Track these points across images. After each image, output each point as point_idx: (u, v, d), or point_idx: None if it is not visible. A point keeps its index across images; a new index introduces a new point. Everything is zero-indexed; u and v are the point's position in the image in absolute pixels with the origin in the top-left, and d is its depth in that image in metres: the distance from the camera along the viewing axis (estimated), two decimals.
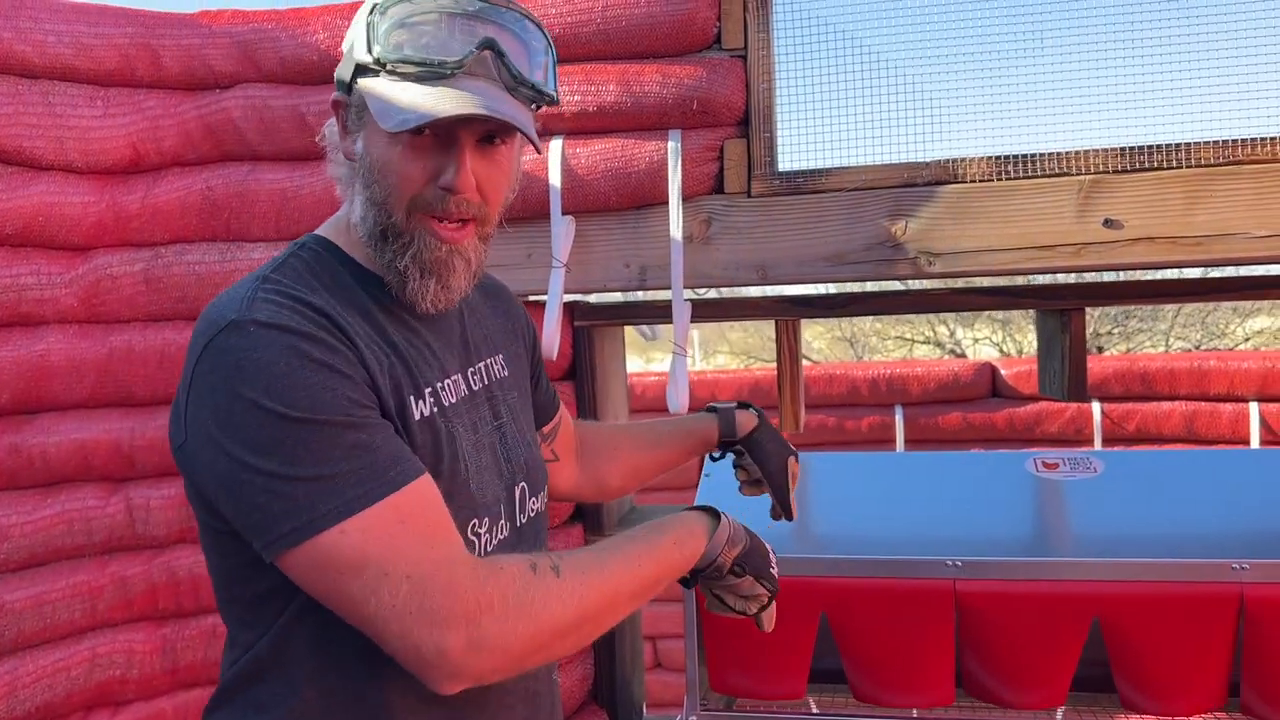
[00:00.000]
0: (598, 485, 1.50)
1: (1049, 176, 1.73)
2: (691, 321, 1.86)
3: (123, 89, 1.89)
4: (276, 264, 1.00)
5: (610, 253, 1.89)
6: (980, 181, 1.75)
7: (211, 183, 1.91)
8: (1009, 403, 4.04)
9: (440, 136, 0.98)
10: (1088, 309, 1.94)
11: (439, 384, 1.04)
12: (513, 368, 1.22)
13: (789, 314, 1.94)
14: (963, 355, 10.99)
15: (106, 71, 1.85)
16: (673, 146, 1.79)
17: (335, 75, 1.05)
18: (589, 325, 1.96)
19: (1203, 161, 1.68)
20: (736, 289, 1.96)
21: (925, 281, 1.79)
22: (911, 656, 1.71)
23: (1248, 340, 10.81)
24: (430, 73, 0.96)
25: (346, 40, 1.04)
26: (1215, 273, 2.21)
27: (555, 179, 1.82)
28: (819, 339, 13.33)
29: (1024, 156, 1.74)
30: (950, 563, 1.70)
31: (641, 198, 1.85)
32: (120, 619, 1.93)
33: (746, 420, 1.52)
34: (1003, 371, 4.11)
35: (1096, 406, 3.91)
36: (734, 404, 1.54)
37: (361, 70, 0.99)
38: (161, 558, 1.97)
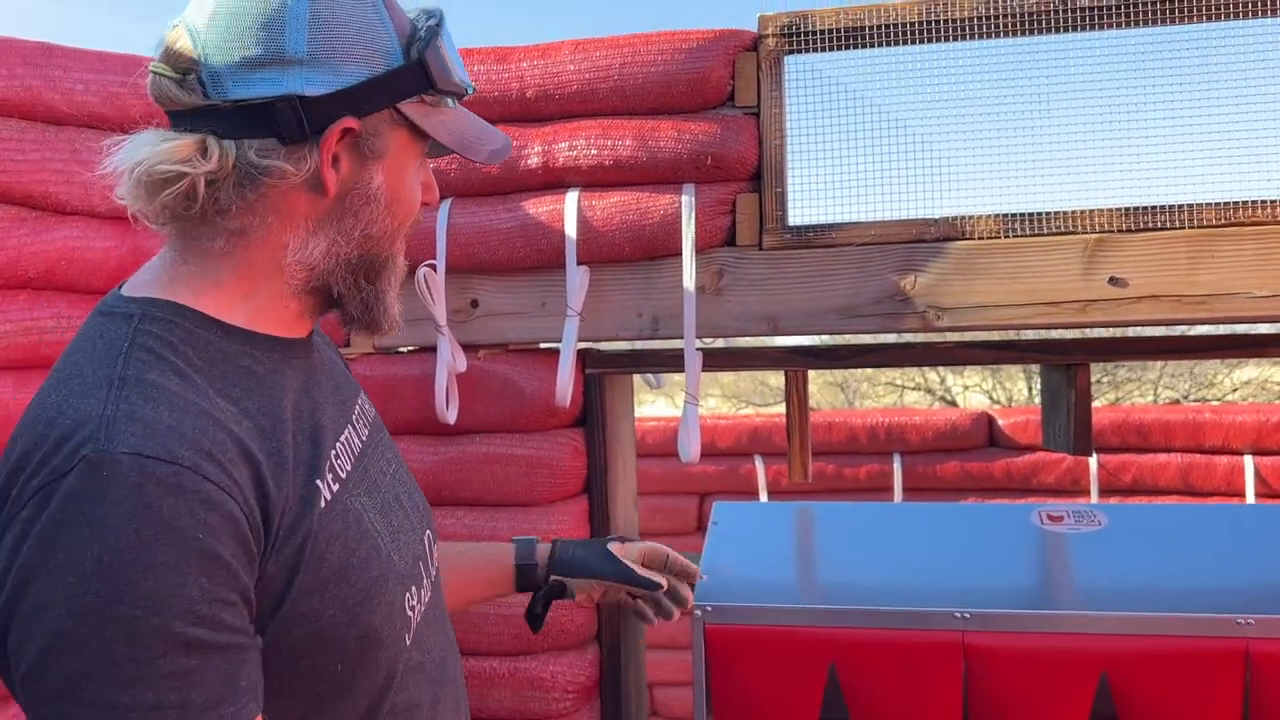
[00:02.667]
0: None
1: (1055, 235, 1.77)
2: (701, 371, 1.89)
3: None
4: (120, 351, 0.79)
5: (623, 302, 1.92)
6: (988, 238, 1.78)
7: None
8: (1006, 452, 4.06)
9: (425, 159, 0.93)
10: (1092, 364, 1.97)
11: (333, 451, 0.90)
12: (370, 403, 1.10)
13: (798, 365, 1.97)
14: (953, 403, 11.05)
15: (133, 120, 1.86)
16: (686, 200, 1.83)
17: (297, 92, 0.83)
18: (600, 373, 1.98)
19: (1205, 222, 1.72)
20: (737, 340, 1.99)
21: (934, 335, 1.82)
22: (919, 708, 1.72)
23: (1235, 391, 10.91)
24: (457, 99, 0.92)
25: (315, 46, 0.83)
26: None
27: (571, 230, 1.85)
28: (811, 383, 13.33)
29: (1031, 214, 1.78)
30: (959, 614, 1.71)
31: (655, 249, 1.88)
32: None
33: (541, 550, 1.46)
34: (1000, 421, 4.14)
35: (1093, 458, 3.94)
36: (533, 538, 1.50)
37: (392, 94, 0.86)
38: None
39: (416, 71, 0.86)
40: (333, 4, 0.83)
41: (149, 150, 0.83)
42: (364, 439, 0.97)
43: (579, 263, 1.86)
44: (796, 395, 2.01)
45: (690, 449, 1.83)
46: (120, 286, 0.90)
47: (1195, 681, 1.66)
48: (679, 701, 4.09)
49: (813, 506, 2.20)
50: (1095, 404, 9.79)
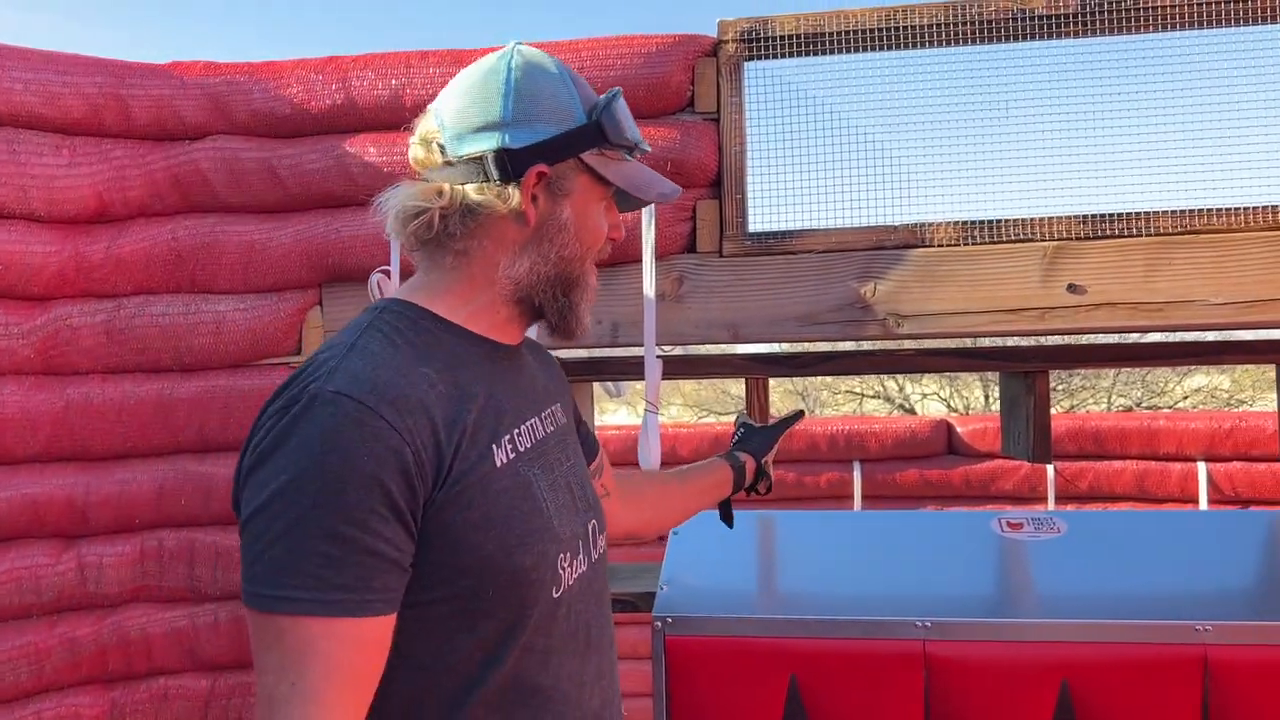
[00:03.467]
0: (647, 517, 1.58)
1: (1014, 242, 1.77)
2: (662, 378, 1.86)
3: (90, 138, 1.86)
4: (360, 328, 1.06)
5: None
6: (947, 246, 1.78)
7: (178, 234, 1.88)
8: (965, 460, 4.08)
9: (611, 200, 1.16)
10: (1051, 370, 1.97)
11: (515, 430, 1.10)
12: (568, 416, 1.30)
13: (759, 372, 1.95)
14: (912, 410, 11.12)
15: (74, 120, 1.82)
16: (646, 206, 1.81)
17: (504, 146, 1.08)
18: None
19: (1162, 230, 1.73)
20: (699, 347, 1.97)
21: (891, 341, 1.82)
22: (881, 718, 1.70)
23: (1186, 398, 11.09)
24: (637, 155, 1.16)
25: (518, 113, 1.08)
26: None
27: None
28: (771, 391, 13.38)
29: (990, 222, 1.77)
30: (919, 624, 1.70)
31: (615, 255, 1.85)
32: (68, 681, 1.86)
33: (748, 461, 1.70)
34: (959, 429, 4.16)
35: (1050, 465, 3.97)
36: (732, 453, 1.70)
37: (575, 146, 1.09)
38: (112, 618, 1.90)
39: (594, 130, 1.10)
40: (531, 81, 1.09)
41: (404, 194, 1.11)
42: (547, 432, 1.18)
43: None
44: (758, 403, 1.99)
45: (650, 457, 1.81)
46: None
47: (1155, 687, 1.66)
48: (640, 713, 4.06)
49: (773, 515, 2.18)
50: (1054, 411, 9.91)
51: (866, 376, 11.32)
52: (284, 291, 1.91)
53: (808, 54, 1.86)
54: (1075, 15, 1.76)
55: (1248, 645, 1.65)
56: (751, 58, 1.86)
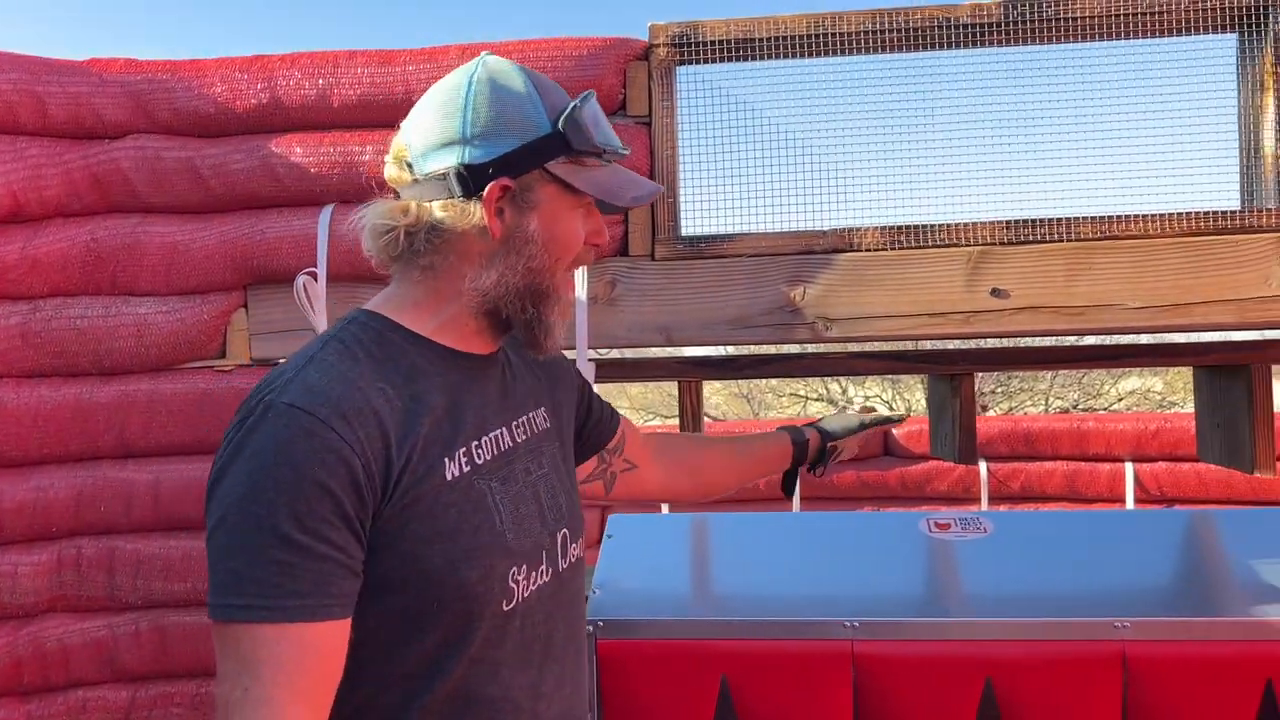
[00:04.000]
0: (693, 480, 1.62)
1: (940, 247, 1.79)
2: (595, 382, 1.86)
3: (4, 136, 1.81)
4: (324, 340, 1.09)
5: None
6: (875, 251, 1.80)
7: (97, 234, 1.84)
8: (901, 461, 4.14)
9: (591, 206, 1.16)
10: (977, 373, 2.01)
11: (475, 442, 1.12)
12: (555, 419, 1.30)
13: (692, 375, 1.96)
14: None
15: None
16: None
17: (464, 162, 1.09)
18: None
19: (1082, 236, 1.77)
20: (641, 350, 1.97)
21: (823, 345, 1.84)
22: (811, 718, 1.71)
23: (1120, 401, 11.35)
24: (611, 159, 1.16)
25: (479, 128, 1.09)
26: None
27: None
28: (716, 395, 13.47)
29: (916, 227, 1.80)
30: (848, 624, 1.72)
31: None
32: None
33: (812, 436, 1.71)
34: (895, 431, 4.21)
35: (983, 466, 4.04)
36: (796, 428, 1.73)
37: (540, 157, 1.09)
38: (29, 628, 1.85)
39: (558, 139, 1.09)
40: (493, 94, 1.09)
41: (375, 211, 1.13)
42: (516, 442, 1.18)
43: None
44: (690, 405, 2.00)
45: None
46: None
47: (1075, 684, 1.69)
48: None
49: (708, 518, 2.19)
50: (990, 413, 10.09)
51: (810, 379, 11.42)
52: (208, 294, 1.88)
53: (738, 59, 1.87)
54: (999, 24, 1.79)
55: (1164, 641, 1.69)
56: (683, 62, 1.87)
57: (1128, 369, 9.87)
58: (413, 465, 1.02)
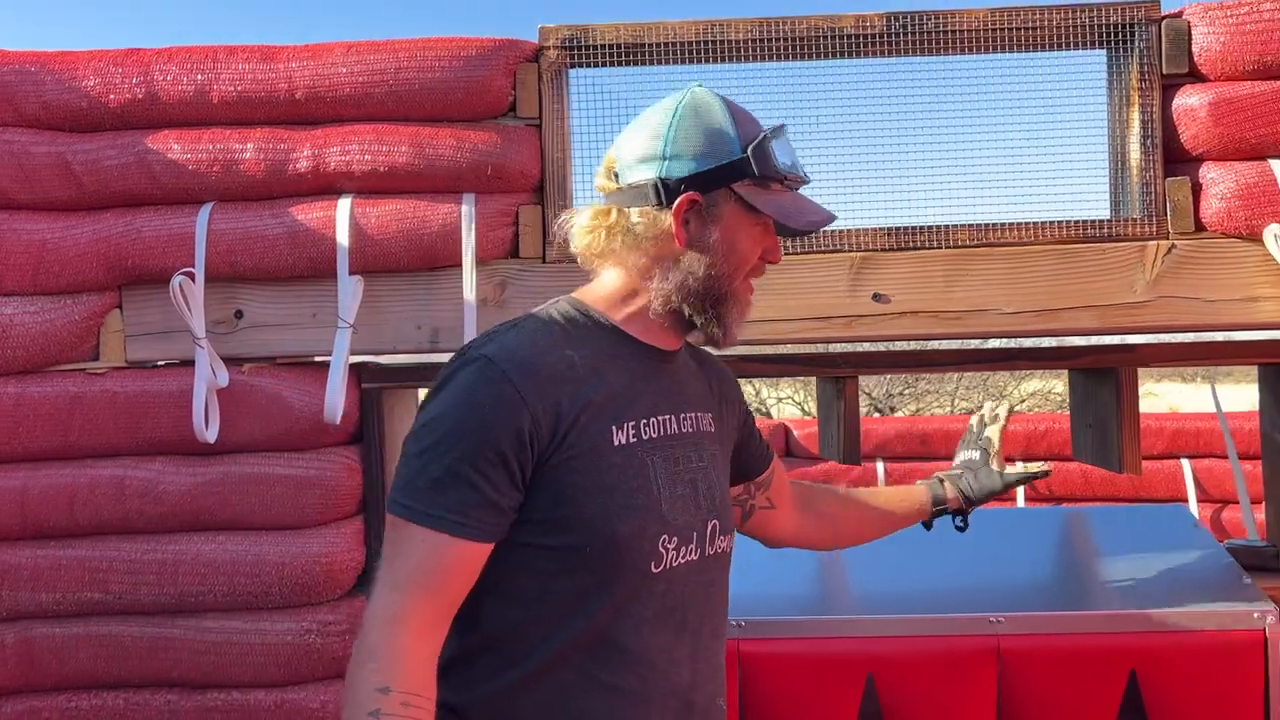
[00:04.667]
0: (825, 533, 1.67)
1: (825, 253, 1.83)
2: None
3: None
4: (531, 314, 1.25)
5: (401, 314, 1.86)
6: None
7: None
8: (801, 462, 4.20)
9: (769, 225, 1.27)
10: (865, 376, 2.05)
11: (642, 420, 1.23)
12: (719, 428, 1.39)
13: None
14: (767, 414, 11.38)
15: None
16: (466, 210, 1.80)
17: (661, 176, 1.22)
18: (377, 388, 1.91)
19: (960, 243, 1.82)
20: None
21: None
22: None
23: (1023, 402, 11.69)
24: (794, 185, 1.28)
25: (677, 148, 1.22)
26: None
27: (343, 238, 1.78)
28: None
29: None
30: (733, 623, 1.74)
31: (435, 259, 1.83)
32: None
33: (951, 492, 1.76)
34: (796, 432, 4.28)
35: (881, 466, 4.13)
36: (939, 476, 1.80)
37: (727, 177, 1.22)
38: None
39: (744, 164, 1.22)
40: (694, 118, 1.24)
41: (581, 214, 1.29)
42: (683, 431, 1.29)
43: (352, 272, 1.80)
44: None
45: None
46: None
47: (953, 677, 1.75)
48: None
49: None
50: (899, 414, 10.30)
51: None
52: (79, 294, 1.81)
53: (629, 64, 1.88)
54: (882, 36, 1.83)
55: (1037, 635, 1.75)
56: (574, 65, 1.87)
57: (1030, 371, 10.19)
58: (581, 424, 1.16)
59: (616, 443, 1.19)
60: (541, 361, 1.16)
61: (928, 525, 1.75)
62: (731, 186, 1.23)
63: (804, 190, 1.31)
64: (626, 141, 1.28)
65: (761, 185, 1.25)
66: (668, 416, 1.27)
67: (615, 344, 1.25)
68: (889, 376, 10.43)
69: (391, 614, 1.11)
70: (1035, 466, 1.83)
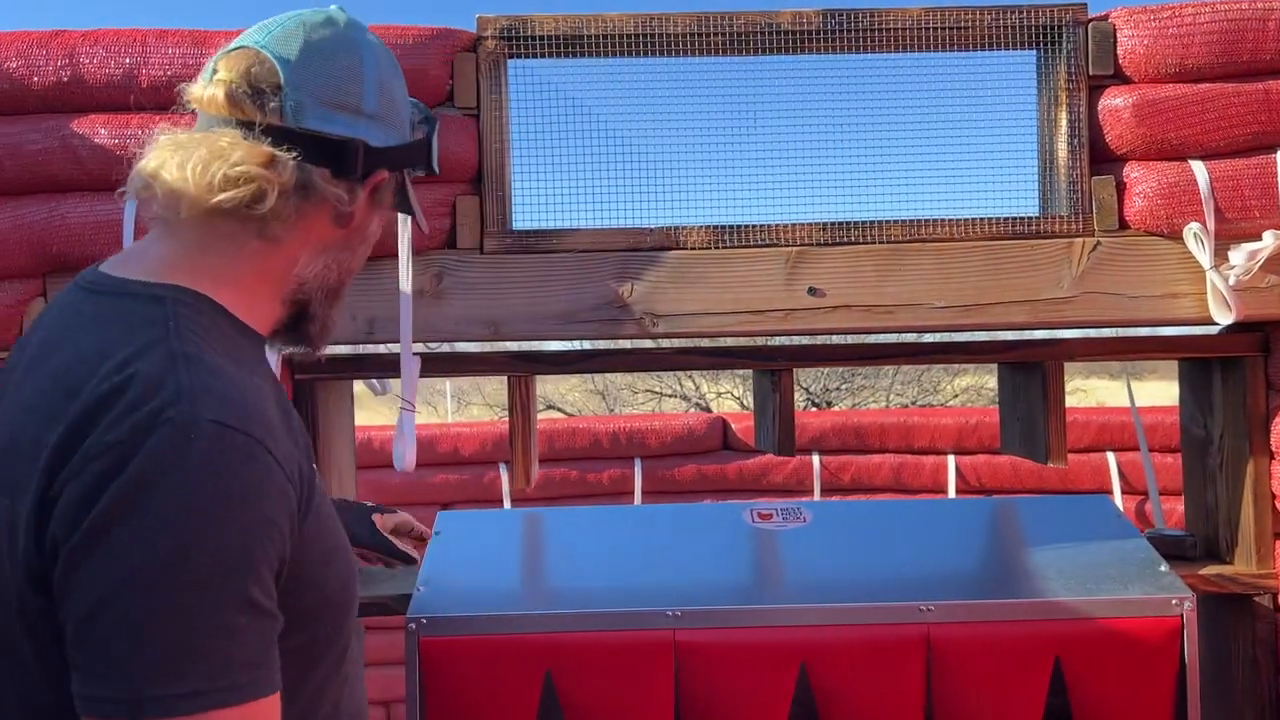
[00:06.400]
0: None
1: (760, 247, 1.85)
2: (421, 376, 1.84)
3: None
4: (168, 329, 0.86)
5: None
6: (699, 249, 1.84)
7: None
8: (739, 455, 4.24)
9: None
10: (800, 369, 2.08)
11: (307, 438, 1.03)
12: None
13: (520, 370, 1.96)
14: (707, 409, 11.46)
15: None
16: None
17: (365, 140, 0.99)
18: (311, 379, 1.89)
19: (892, 238, 1.85)
20: (468, 344, 1.96)
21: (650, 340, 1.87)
22: (634, 707, 1.74)
23: (956, 397, 11.93)
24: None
25: (381, 109, 1.01)
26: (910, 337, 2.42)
27: None
28: (572, 391, 13.50)
29: (739, 227, 1.85)
30: (670, 613, 1.75)
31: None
32: None
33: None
34: (733, 426, 4.32)
35: (816, 459, 4.18)
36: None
37: (408, 161, 1.06)
38: None
39: (423, 149, 1.07)
40: (390, 76, 1.03)
41: (226, 148, 0.91)
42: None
43: None
44: (520, 401, 1.99)
45: (405, 457, 1.78)
46: (101, 265, 0.96)
47: (883, 666, 1.78)
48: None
49: (540, 512, 2.20)
50: (835, 408, 10.45)
51: (663, 376, 11.57)
52: (2, 281, 1.76)
53: (568, 55, 1.88)
54: (817, 32, 1.85)
55: (965, 623, 1.79)
56: (513, 55, 1.87)
57: (964, 366, 10.39)
58: (306, 476, 0.90)
59: (319, 482, 0.95)
60: (263, 405, 0.87)
61: None
62: (403, 171, 1.06)
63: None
64: (306, 69, 0.95)
65: (411, 175, 1.10)
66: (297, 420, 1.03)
67: (254, 350, 0.98)
68: (825, 372, 10.58)
69: None
70: (404, 551, 1.68)
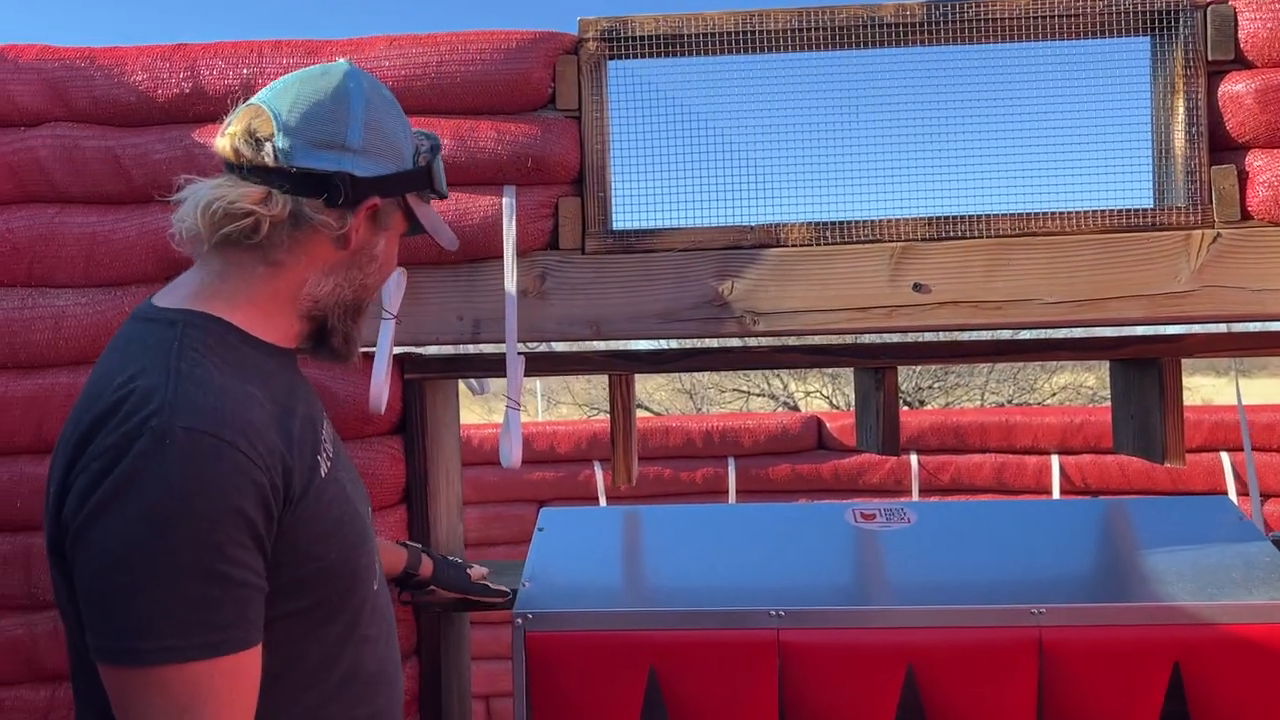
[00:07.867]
0: None
1: (863, 243, 1.82)
2: (525, 375, 1.87)
3: None
4: (170, 349, 1.02)
5: (443, 305, 1.88)
6: (801, 246, 1.83)
7: (12, 225, 1.80)
8: (834, 454, 4.19)
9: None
10: (902, 367, 2.05)
11: (324, 437, 1.16)
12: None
13: (621, 369, 1.97)
14: (795, 408, 11.36)
15: None
16: (507, 202, 1.81)
17: (350, 172, 1.12)
18: (420, 378, 1.93)
19: (1001, 232, 1.81)
20: (570, 344, 1.98)
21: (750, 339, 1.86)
22: (738, 706, 1.74)
23: (1054, 395, 11.59)
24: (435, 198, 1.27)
25: (366, 142, 1.13)
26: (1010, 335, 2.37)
27: None
28: (659, 390, 13.51)
29: (841, 223, 1.83)
30: (773, 613, 1.75)
31: (476, 251, 1.85)
32: None
33: (426, 563, 1.75)
34: (828, 425, 4.27)
35: (914, 459, 4.11)
36: (419, 546, 1.79)
37: (406, 186, 1.18)
38: None
39: (423, 174, 1.20)
40: (379, 114, 1.15)
41: (222, 191, 1.08)
42: (335, 433, 1.24)
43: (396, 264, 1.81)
44: (621, 400, 2.01)
45: (511, 455, 1.81)
46: (152, 298, 1.15)
47: (993, 668, 1.74)
48: (505, 713, 4.04)
49: (640, 510, 2.21)
50: (928, 407, 10.26)
51: (750, 375, 11.50)
52: (129, 285, 1.84)
53: (668, 54, 1.88)
54: (922, 24, 1.83)
55: (1079, 626, 1.75)
56: (613, 56, 1.88)
57: (1061, 363, 10.10)
58: (300, 470, 1.05)
59: (324, 474, 1.10)
60: (247, 412, 1.01)
61: (396, 584, 1.72)
62: (405, 195, 1.19)
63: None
64: (296, 115, 1.10)
65: (423, 197, 1.23)
66: (326, 423, 1.20)
67: (268, 361, 1.12)
68: (918, 370, 10.39)
69: None
70: (498, 588, 1.84)
